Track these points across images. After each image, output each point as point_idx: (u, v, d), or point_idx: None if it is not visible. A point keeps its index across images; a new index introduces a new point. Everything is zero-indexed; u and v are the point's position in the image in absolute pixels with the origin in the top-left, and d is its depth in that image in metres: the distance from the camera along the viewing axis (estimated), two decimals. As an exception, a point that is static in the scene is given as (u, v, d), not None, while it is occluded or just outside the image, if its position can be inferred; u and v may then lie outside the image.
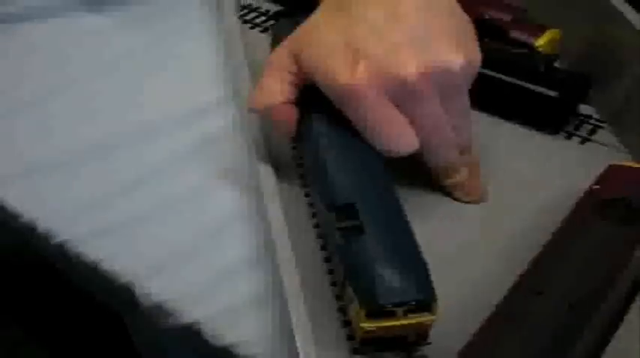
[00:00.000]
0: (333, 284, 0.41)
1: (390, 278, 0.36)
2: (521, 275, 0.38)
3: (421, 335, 0.37)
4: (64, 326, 0.54)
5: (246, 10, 0.63)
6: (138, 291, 0.42)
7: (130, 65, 0.59)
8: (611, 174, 0.45)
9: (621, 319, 0.37)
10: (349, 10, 0.42)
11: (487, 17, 0.56)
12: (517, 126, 0.53)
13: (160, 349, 0.44)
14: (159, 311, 0.41)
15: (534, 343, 0.34)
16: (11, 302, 0.54)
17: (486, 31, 0.53)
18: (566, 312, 0.35)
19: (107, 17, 0.64)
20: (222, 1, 0.61)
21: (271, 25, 0.61)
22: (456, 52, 0.42)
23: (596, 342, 0.36)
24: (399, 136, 0.42)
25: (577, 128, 0.53)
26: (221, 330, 0.40)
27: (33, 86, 0.57)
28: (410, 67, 0.41)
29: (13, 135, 0.53)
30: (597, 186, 0.43)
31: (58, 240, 0.45)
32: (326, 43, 0.42)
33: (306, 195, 0.46)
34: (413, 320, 0.36)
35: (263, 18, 0.62)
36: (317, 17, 0.44)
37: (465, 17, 0.44)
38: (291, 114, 0.44)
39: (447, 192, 0.47)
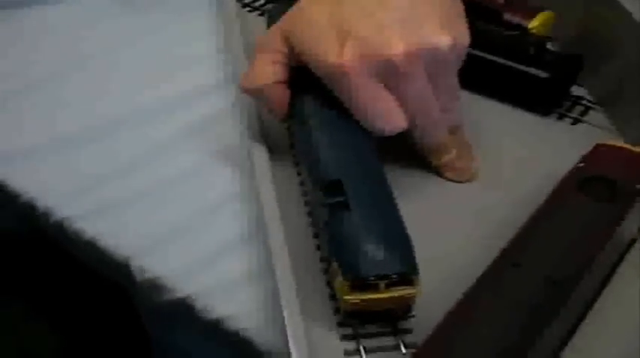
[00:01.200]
0: (322, 259, 0.42)
1: (372, 251, 0.37)
2: (502, 250, 0.39)
3: (405, 308, 0.39)
4: (66, 301, 0.56)
5: (246, -7, 0.65)
6: (133, 267, 0.44)
7: (131, 49, 0.61)
8: (596, 153, 0.45)
9: (599, 294, 0.38)
10: None
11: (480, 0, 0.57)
12: (509, 107, 0.54)
13: (160, 322, 0.46)
14: (153, 285, 0.43)
15: (509, 314, 0.35)
16: (12, 278, 0.56)
17: (480, 14, 0.54)
18: (542, 284, 0.36)
19: (111, 1, 0.65)
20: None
21: (268, 8, 0.62)
22: (444, 32, 0.43)
23: (574, 316, 0.37)
24: (387, 116, 0.44)
25: (569, 109, 0.54)
26: (214, 305, 0.41)
27: (41, 69, 0.59)
28: (397, 47, 0.42)
29: (17, 116, 0.55)
30: (582, 164, 0.44)
31: (57, 217, 0.47)
32: (315, 24, 0.43)
33: (299, 174, 0.47)
34: (395, 293, 0.37)
35: (262, 1, 0.64)
36: (307, 0, 0.45)
37: None
38: (283, 94, 0.46)
39: (436, 171, 0.48)
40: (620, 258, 0.40)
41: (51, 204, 0.47)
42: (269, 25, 0.55)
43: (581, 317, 0.38)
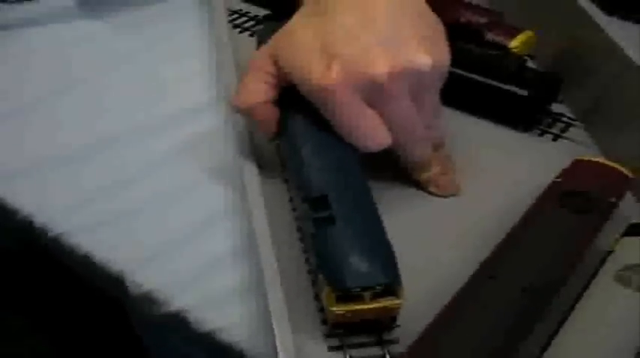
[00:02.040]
0: (310, 272, 0.44)
1: (357, 264, 0.39)
2: (482, 262, 0.41)
3: (390, 318, 0.40)
4: (65, 314, 0.58)
5: (236, 15, 0.67)
6: (128, 281, 0.45)
7: (125, 68, 0.63)
8: (574, 168, 0.48)
9: (576, 303, 0.40)
10: (324, 15, 0.45)
11: (463, 21, 0.59)
12: (491, 123, 0.56)
13: (154, 334, 0.48)
14: (148, 299, 0.45)
15: (487, 323, 0.37)
16: (12, 292, 0.57)
17: (462, 34, 0.56)
18: (519, 295, 0.38)
19: (103, 22, 0.68)
20: (213, 6, 0.64)
21: (257, 29, 0.64)
22: (425, 53, 0.44)
23: (551, 325, 0.39)
24: (372, 133, 0.45)
25: (550, 126, 0.56)
26: (206, 317, 0.43)
27: (34, 88, 0.60)
28: (380, 67, 0.43)
29: (15, 135, 0.56)
30: (560, 179, 0.46)
31: (53, 232, 0.48)
32: (302, 46, 0.45)
33: (288, 190, 0.49)
34: (380, 303, 0.39)
35: (252, 22, 0.66)
36: (294, 22, 0.47)
37: (435, 19, 0.47)
38: (272, 113, 0.48)
39: (419, 186, 0.50)
40: (597, 269, 0.42)
41: (47, 219, 0.49)
42: (259, 45, 0.57)
43: (558, 327, 0.39)
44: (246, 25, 0.66)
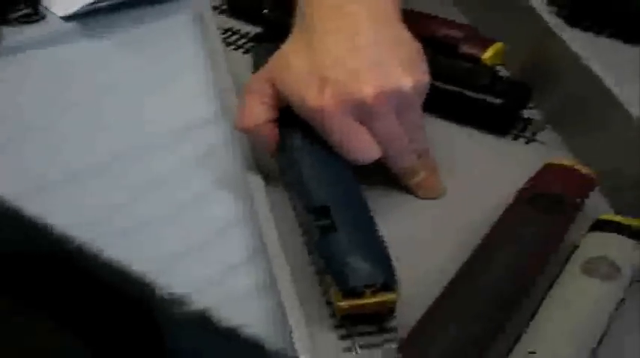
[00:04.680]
0: (317, 273, 0.51)
1: (359, 265, 0.46)
2: (468, 257, 0.49)
3: (389, 310, 0.48)
4: (93, 318, 0.65)
5: (229, 33, 0.73)
6: (154, 284, 0.52)
7: (126, 86, 0.69)
8: (546, 172, 0.55)
9: (549, 290, 0.48)
10: (311, 42, 0.53)
11: (439, 35, 0.66)
12: (470, 130, 0.63)
13: (178, 333, 0.55)
14: (172, 299, 0.51)
15: (473, 312, 0.45)
16: (43, 298, 0.64)
17: (438, 48, 0.63)
18: (498, 288, 0.46)
19: (101, 42, 0.74)
20: (206, 26, 0.71)
21: (251, 46, 0.71)
22: (407, 75, 0.52)
23: (526, 314, 0.47)
24: (363, 147, 0.53)
25: (523, 130, 0.63)
26: (228, 315, 0.50)
27: (39, 109, 0.67)
28: (368, 89, 0.51)
29: (24, 155, 0.62)
30: (533, 182, 0.54)
31: (79, 241, 0.55)
32: (296, 71, 0.52)
33: (290, 199, 0.57)
34: (380, 298, 0.46)
35: (244, 40, 0.72)
36: (287, 49, 0.54)
37: (413, 41, 0.54)
38: (272, 132, 0.54)
39: (409, 191, 0.57)
40: (566, 261, 0.50)
41: (73, 230, 0.56)
42: (255, 63, 0.64)
43: (531, 316, 0.47)
44: (239, 42, 0.72)
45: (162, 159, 0.61)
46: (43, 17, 0.77)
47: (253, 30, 0.73)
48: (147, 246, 0.55)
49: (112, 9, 0.76)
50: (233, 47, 0.72)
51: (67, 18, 0.76)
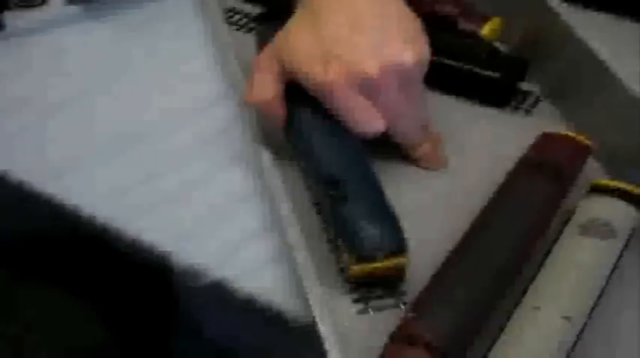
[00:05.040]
0: (329, 241, 0.54)
1: (370, 231, 0.49)
2: (471, 224, 0.52)
3: (399, 274, 0.51)
4: (115, 291, 0.67)
5: (231, 13, 0.75)
6: (173, 256, 0.55)
7: (134, 69, 0.71)
8: (544, 141, 0.58)
9: (548, 253, 0.51)
10: (316, 20, 0.55)
11: (437, 11, 0.69)
12: (470, 103, 0.66)
13: (197, 304, 0.57)
14: (191, 271, 0.54)
15: (479, 275, 0.47)
16: (64, 274, 0.66)
17: (437, 24, 0.66)
18: (503, 251, 0.49)
19: (105, 25, 0.76)
20: (208, 6, 0.73)
21: (254, 26, 0.73)
22: (408, 50, 0.54)
23: (532, 271, 0.50)
24: (369, 120, 0.55)
25: (521, 102, 0.66)
26: (245, 284, 0.53)
27: (57, 92, 0.69)
28: (371, 64, 0.53)
29: (45, 138, 0.65)
30: (532, 151, 0.57)
31: (101, 219, 0.57)
32: (302, 47, 0.54)
33: (301, 171, 0.59)
34: (391, 262, 0.49)
35: (246, 20, 0.75)
36: (290, 26, 0.56)
37: (413, 18, 0.56)
38: (280, 106, 0.57)
39: (414, 162, 0.60)
40: (565, 223, 0.53)
41: (95, 208, 0.58)
42: (259, 44, 0.66)
43: (533, 276, 0.50)
44: (241, 22, 0.74)
45: (175, 138, 0.64)
46: (45, 1, 0.78)
47: (254, 10, 0.76)
48: (163, 221, 0.57)
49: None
50: (235, 27, 0.74)
51: (70, 1, 0.78)
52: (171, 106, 0.67)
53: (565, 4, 0.66)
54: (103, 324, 0.64)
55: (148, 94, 0.68)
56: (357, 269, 0.49)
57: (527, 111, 0.65)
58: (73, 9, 0.78)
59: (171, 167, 0.61)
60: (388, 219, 0.51)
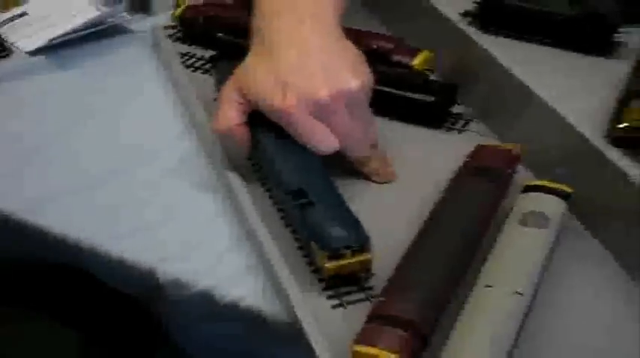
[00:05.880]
0: (301, 247, 0.60)
1: (338, 231, 0.55)
2: (424, 221, 0.59)
3: (366, 270, 0.57)
4: (92, 317, 0.71)
5: (186, 57, 0.82)
6: (159, 273, 0.60)
7: (99, 112, 0.77)
8: (480, 150, 0.66)
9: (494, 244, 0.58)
10: (270, 55, 0.62)
11: (374, 46, 0.77)
12: (409, 125, 0.73)
13: (186, 313, 0.62)
14: (176, 284, 0.59)
15: (434, 266, 0.54)
16: (46, 301, 0.70)
17: (374, 57, 0.73)
18: (454, 243, 0.56)
19: (66, 73, 0.82)
20: (167, 53, 0.80)
21: (210, 66, 0.79)
22: (355, 77, 0.61)
23: (481, 260, 0.57)
24: (323, 140, 0.61)
25: (454, 123, 0.74)
26: (228, 291, 0.58)
27: (38, 132, 0.74)
28: (323, 91, 0.60)
29: (38, 168, 0.70)
30: (470, 159, 0.65)
31: (85, 245, 0.62)
32: (261, 80, 0.61)
33: (267, 189, 0.65)
34: (358, 258, 0.55)
35: (201, 62, 0.81)
36: (250, 61, 0.63)
37: (357, 50, 0.64)
38: (245, 132, 0.63)
39: (365, 176, 0.67)
40: (504, 219, 0.61)
41: (79, 235, 0.63)
42: (217, 80, 0.73)
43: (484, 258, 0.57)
44: (196, 64, 0.81)
45: (148, 171, 0.69)
46: (10, 54, 0.83)
47: (207, 53, 0.82)
48: (144, 245, 0.62)
49: (76, 42, 0.84)
50: (191, 69, 0.81)
51: (33, 53, 0.83)
52: (140, 142, 0.72)
53: (482, 34, 0.76)
54: (85, 350, 0.68)
55: (112, 136, 0.74)
56: (329, 266, 0.55)
57: (460, 131, 0.73)
58: (36, 60, 0.83)
59: (148, 195, 0.67)
60: (352, 221, 0.57)
